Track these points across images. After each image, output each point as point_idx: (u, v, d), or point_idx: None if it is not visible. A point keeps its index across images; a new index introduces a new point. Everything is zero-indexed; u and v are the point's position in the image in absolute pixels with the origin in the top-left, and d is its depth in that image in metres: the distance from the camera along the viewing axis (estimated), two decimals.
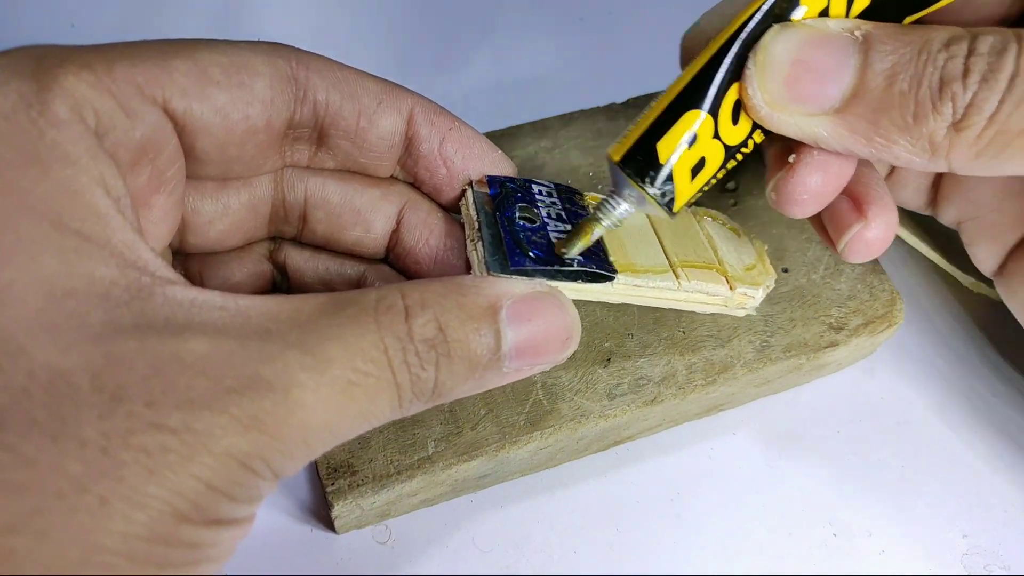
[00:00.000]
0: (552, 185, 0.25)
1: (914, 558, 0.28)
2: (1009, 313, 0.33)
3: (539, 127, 0.33)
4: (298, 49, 0.22)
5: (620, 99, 0.34)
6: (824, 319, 0.28)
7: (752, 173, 0.31)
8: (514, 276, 0.22)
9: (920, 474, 0.30)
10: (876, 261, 0.29)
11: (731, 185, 0.31)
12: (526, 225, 0.23)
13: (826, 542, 0.28)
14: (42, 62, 0.18)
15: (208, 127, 0.20)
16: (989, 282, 0.33)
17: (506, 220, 0.23)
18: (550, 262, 0.22)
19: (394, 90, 0.23)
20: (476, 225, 0.23)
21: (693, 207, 0.27)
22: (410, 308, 0.19)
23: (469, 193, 0.24)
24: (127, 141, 0.19)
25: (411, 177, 0.25)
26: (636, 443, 0.30)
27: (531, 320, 0.21)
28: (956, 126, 0.20)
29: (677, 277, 0.24)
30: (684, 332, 0.28)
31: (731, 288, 0.25)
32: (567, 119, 0.33)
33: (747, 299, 0.25)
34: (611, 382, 0.27)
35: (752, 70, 0.21)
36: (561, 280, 0.22)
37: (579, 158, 0.32)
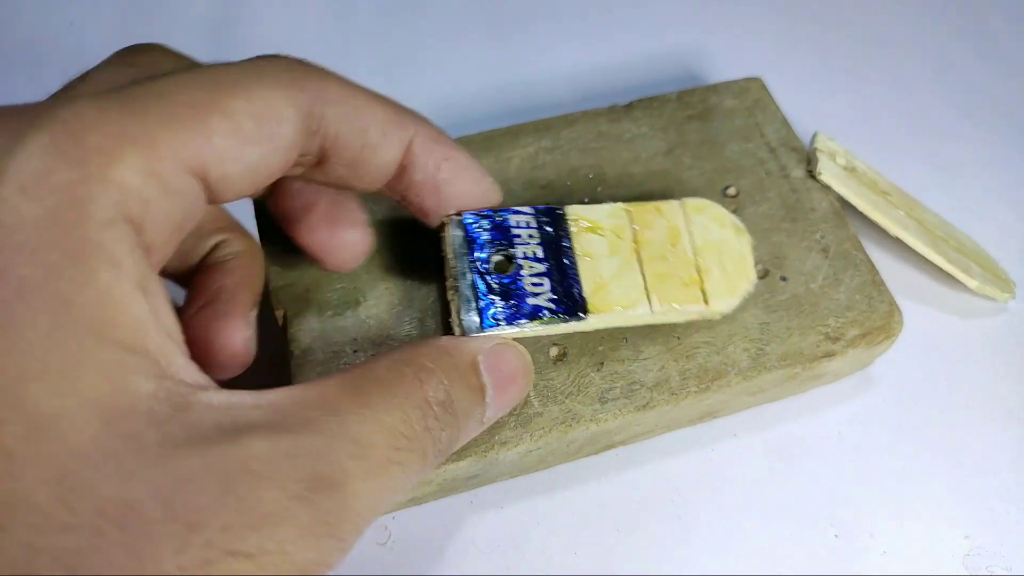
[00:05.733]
0: (532, 212, 0.26)
1: (916, 559, 0.28)
2: (1012, 313, 0.33)
3: (541, 127, 0.33)
4: (311, 69, 0.21)
5: (623, 100, 0.34)
6: (821, 329, 0.28)
7: (754, 180, 0.31)
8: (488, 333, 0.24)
9: (921, 475, 0.30)
10: (875, 272, 0.29)
11: (732, 191, 0.31)
12: (499, 277, 0.25)
13: (827, 543, 0.28)
14: (84, 141, 0.17)
15: (237, 184, 0.20)
16: (994, 284, 0.33)
17: (479, 273, 0.25)
18: (522, 315, 0.24)
19: (399, 118, 0.23)
20: (453, 274, 0.25)
21: (688, 201, 0.28)
22: (419, 375, 0.20)
23: (447, 232, 0.25)
24: (167, 224, 0.19)
25: (398, 196, 0.25)
26: (637, 445, 0.30)
27: (501, 369, 0.23)
28: None
29: (650, 302, 0.26)
30: (679, 338, 0.28)
31: (706, 303, 0.26)
32: (570, 119, 0.33)
33: (723, 308, 0.26)
34: (603, 386, 0.27)
35: None
36: (532, 327, 0.25)
37: (579, 159, 0.32)
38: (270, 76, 0.20)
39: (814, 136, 0.32)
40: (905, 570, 0.28)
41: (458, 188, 0.25)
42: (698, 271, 0.26)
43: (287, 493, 0.16)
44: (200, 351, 0.24)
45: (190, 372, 0.18)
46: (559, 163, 0.32)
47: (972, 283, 0.32)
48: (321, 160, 0.22)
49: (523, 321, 0.24)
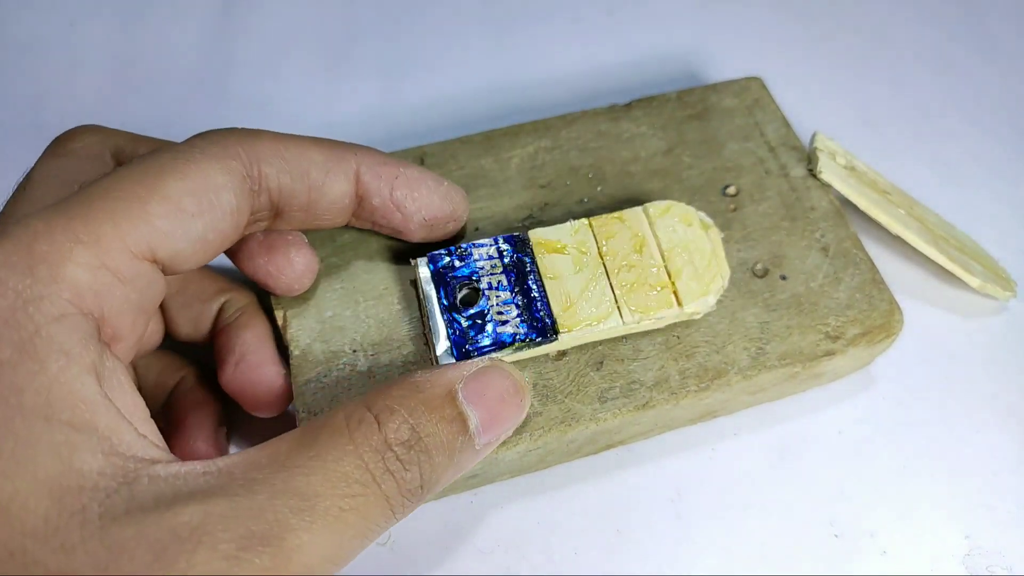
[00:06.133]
0: (494, 242, 0.27)
1: (916, 559, 0.28)
2: (1013, 312, 0.33)
3: (540, 126, 0.33)
4: (243, 134, 0.23)
5: (623, 100, 0.34)
6: (821, 327, 0.28)
7: (753, 180, 0.31)
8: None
9: (922, 475, 0.30)
10: (875, 270, 0.29)
11: (732, 190, 0.31)
12: (467, 311, 0.26)
13: (827, 543, 0.28)
14: (33, 250, 0.19)
15: (191, 256, 0.22)
16: (995, 283, 0.33)
17: (447, 307, 0.26)
18: (492, 344, 0.25)
19: (339, 154, 0.25)
20: (424, 312, 0.27)
21: (650, 205, 0.28)
22: (379, 416, 0.20)
23: (417, 271, 0.27)
24: (128, 309, 0.20)
25: (368, 224, 0.27)
26: (637, 444, 0.30)
27: (485, 393, 0.23)
28: None
29: (621, 313, 0.26)
30: (678, 337, 0.28)
31: (680, 306, 0.27)
32: (569, 119, 0.33)
33: (699, 309, 0.27)
34: (603, 385, 0.27)
35: None
36: (505, 354, 0.26)
37: (579, 159, 0.32)
38: (200, 152, 0.22)
39: (814, 136, 0.32)
40: (905, 570, 0.28)
41: (417, 201, 0.26)
42: (668, 274, 0.27)
43: (217, 554, 0.17)
44: (248, 398, 0.26)
45: (143, 447, 0.19)
46: (559, 163, 0.32)
47: (974, 281, 0.32)
48: (278, 212, 0.24)
49: (494, 351, 0.26)
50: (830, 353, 0.28)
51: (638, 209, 0.28)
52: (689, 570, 0.28)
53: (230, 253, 0.27)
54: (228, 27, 0.43)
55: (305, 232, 0.27)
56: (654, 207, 0.28)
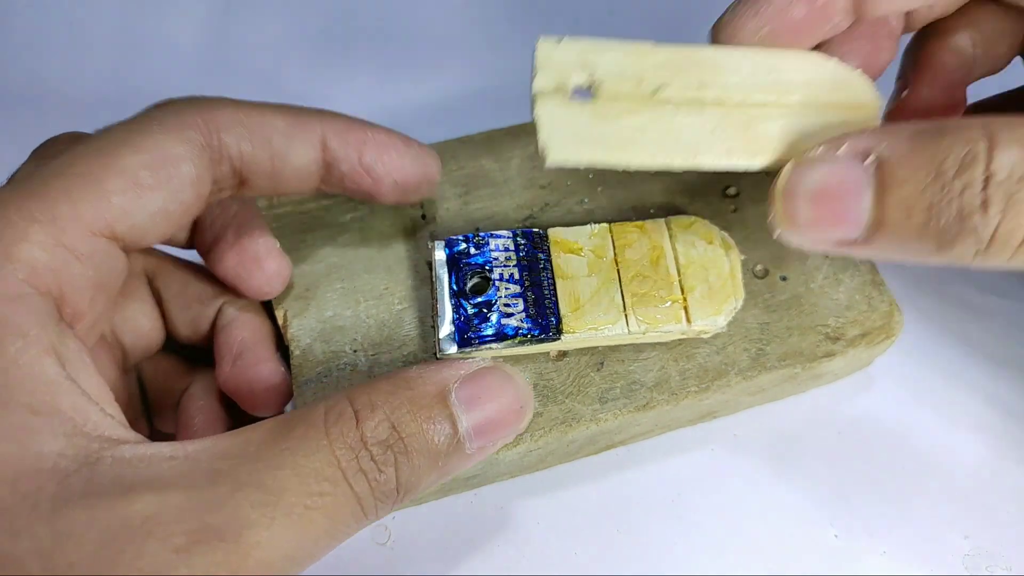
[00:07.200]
0: (511, 235, 0.27)
1: (915, 559, 0.28)
2: (1011, 311, 0.33)
3: None
4: (202, 103, 0.23)
5: None
6: (821, 328, 0.28)
7: (754, 180, 0.31)
8: (463, 354, 0.25)
9: (921, 475, 0.30)
10: (875, 271, 0.29)
11: (732, 191, 0.31)
12: (475, 299, 0.26)
13: (828, 543, 0.28)
14: None
15: (152, 230, 0.21)
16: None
17: (457, 294, 0.26)
18: (494, 336, 0.25)
19: (303, 121, 0.24)
20: (434, 295, 0.26)
21: (673, 219, 0.28)
22: (360, 412, 0.20)
23: (432, 254, 0.27)
24: (87, 287, 0.20)
25: (339, 189, 0.26)
26: (637, 444, 0.30)
27: (481, 397, 0.21)
28: (983, 253, 0.18)
29: (627, 322, 0.26)
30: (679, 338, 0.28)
31: (688, 322, 0.26)
32: None
33: (708, 328, 0.27)
34: (604, 386, 0.27)
35: (773, 208, 0.21)
36: (505, 346, 0.26)
37: None
38: (157, 124, 0.21)
39: (534, 56, 0.21)
40: (905, 570, 0.28)
41: (387, 165, 0.25)
42: (682, 290, 0.27)
43: (167, 547, 0.17)
44: (246, 396, 0.26)
45: (109, 426, 0.18)
46: None
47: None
48: (242, 181, 0.24)
49: (495, 342, 0.25)
50: (830, 354, 0.28)
51: (660, 221, 0.28)
52: (689, 570, 0.28)
53: (203, 254, 0.27)
54: (228, 27, 0.43)
55: (278, 200, 0.27)
56: (677, 221, 0.28)
